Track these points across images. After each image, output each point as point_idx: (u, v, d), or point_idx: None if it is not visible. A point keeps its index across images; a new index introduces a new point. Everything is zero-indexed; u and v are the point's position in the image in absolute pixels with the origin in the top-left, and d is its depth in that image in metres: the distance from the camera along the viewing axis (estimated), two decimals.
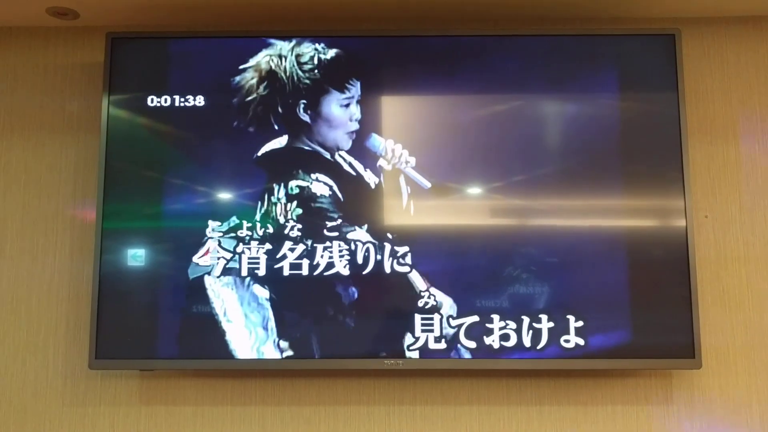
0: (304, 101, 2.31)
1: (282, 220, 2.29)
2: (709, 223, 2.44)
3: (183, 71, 2.40)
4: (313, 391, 2.39)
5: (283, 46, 2.32)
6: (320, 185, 2.22)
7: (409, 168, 2.27)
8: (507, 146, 2.36)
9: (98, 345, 2.27)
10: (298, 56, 2.27)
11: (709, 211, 2.45)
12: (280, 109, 2.30)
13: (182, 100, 2.37)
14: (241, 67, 2.30)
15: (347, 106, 2.29)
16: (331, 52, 2.30)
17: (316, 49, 2.30)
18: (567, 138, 2.37)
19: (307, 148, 2.31)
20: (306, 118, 2.31)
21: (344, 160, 2.32)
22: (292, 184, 2.30)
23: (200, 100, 2.37)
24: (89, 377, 2.39)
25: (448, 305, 2.19)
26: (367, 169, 2.30)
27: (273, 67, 2.27)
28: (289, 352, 2.24)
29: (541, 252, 2.31)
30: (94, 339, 2.27)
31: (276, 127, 2.32)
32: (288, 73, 2.30)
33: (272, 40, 2.34)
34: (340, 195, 2.28)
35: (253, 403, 2.38)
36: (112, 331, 2.28)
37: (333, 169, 2.31)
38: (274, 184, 2.30)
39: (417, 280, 2.18)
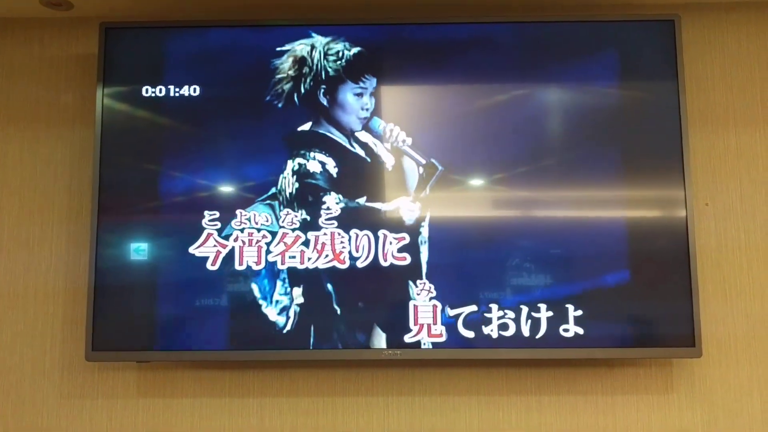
0: (324, 86, 2.34)
1: (286, 193, 2.30)
2: (709, 212, 2.42)
3: (178, 61, 2.38)
4: (311, 382, 2.38)
5: (319, 40, 2.37)
6: (315, 163, 2.31)
7: (406, 146, 2.32)
8: (507, 136, 2.35)
9: (95, 337, 2.26)
10: (327, 50, 2.36)
11: (709, 200, 2.43)
12: (302, 91, 2.35)
13: (177, 90, 2.36)
14: (279, 49, 2.37)
15: (360, 95, 2.35)
16: (354, 50, 2.36)
17: (344, 47, 2.36)
18: (565, 126, 2.36)
19: (322, 131, 2.34)
20: (324, 101, 2.35)
21: (359, 143, 2.33)
22: (298, 160, 2.32)
23: (195, 90, 2.36)
24: (86, 369, 2.39)
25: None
26: (384, 154, 2.33)
27: (305, 54, 2.36)
28: (300, 300, 2.26)
29: (539, 242, 2.30)
30: (91, 331, 2.26)
31: (297, 104, 2.34)
32: (315, 62, 2.36)
33: (313, 34, 2.37)
34: (333, 173, 2.31)
35: (251, 395, 2.38)
36: (109, 323, 2.28)
37: (341, 152, 2.33)
38: (288, 161, 2.32)
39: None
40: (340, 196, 2.30)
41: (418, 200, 2.30)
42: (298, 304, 2.27)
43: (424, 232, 2.30)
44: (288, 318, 2.27)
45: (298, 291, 2.28)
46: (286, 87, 2.36)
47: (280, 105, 2.35)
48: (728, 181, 2.44)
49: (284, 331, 2.26)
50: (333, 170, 2.31)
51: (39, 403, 2.39)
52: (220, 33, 2.41)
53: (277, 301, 2.27)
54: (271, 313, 2.27)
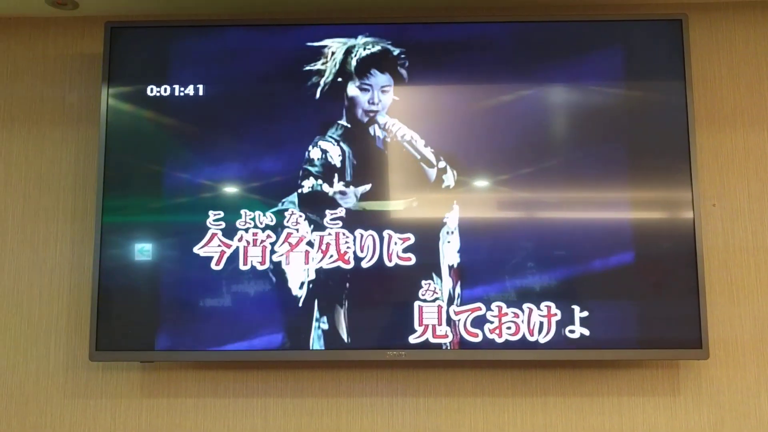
0: (339, 79, 2.36)
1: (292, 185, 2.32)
2: (716, 213, 2.41)
3: (183, 60, 2.38)
4: (315, 383, 2.37)
5: (347, 40, 2.38)
6: (317, 150, 2.33)
7: (405, 141, 2.33)
8: (512, 136, 2.34)
9: (99, 337, 2.26)
10: (349, 48, 2.37)
11: (716, 200, 2.41)
12: (320, 86, 2.36)
13: (182, 89, 2.36)
14: (311, 44, 2.38)
15: (366, 90, 2.35)
16: (374, 49, 2.37)
17: (363, 47, 2.37)
18: (571, 126, 2.35)
19: (341, 121, 2.35)
20: (339, 96, 2.36)
21: (366, 136, 2.34)
22: (309, 148, 2.34)
23: (200, 89, 2.35)
24: (90, 369, 2.39)
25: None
26: (387, 149, 2.34)
27: (329, 52, 2.38)
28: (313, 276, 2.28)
29: (546, 243, 2.29)
30: (95, 331, 2.26)
31: (315, 99, 2.35)
32: (336, 60, 2.36)
33: (330, 32, 2.38)
34: (335, 162, 2.32)
35: (255, 395, 2.37)
36: (113, 323, 2.28)
37: (349, 143, 2.33)
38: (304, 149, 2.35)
39: None
40: (318, 181, 2.30)
41: (350, 186, 2.31)
42: (311, 281, 2.27)
43: (440, 233, 2.29)
44: (303, 292, 2.28)
45: (311, 251, 2.29)
46: (299, 84, 2.35)
47: (290, 102, 2.36)
48: (736, 182, 2.42)
49: (299, 305, 2.27)
50: (336, 159, 2.32)
51: (43, 403, 2.39)
52: (226, 32, 2.41)
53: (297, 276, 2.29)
54: (294, 286, 2.28)
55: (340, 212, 2.30)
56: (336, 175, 2.32)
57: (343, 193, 2.31)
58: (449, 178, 2.32)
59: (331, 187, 2.31)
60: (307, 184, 2.31)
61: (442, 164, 2.32)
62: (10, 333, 2.43)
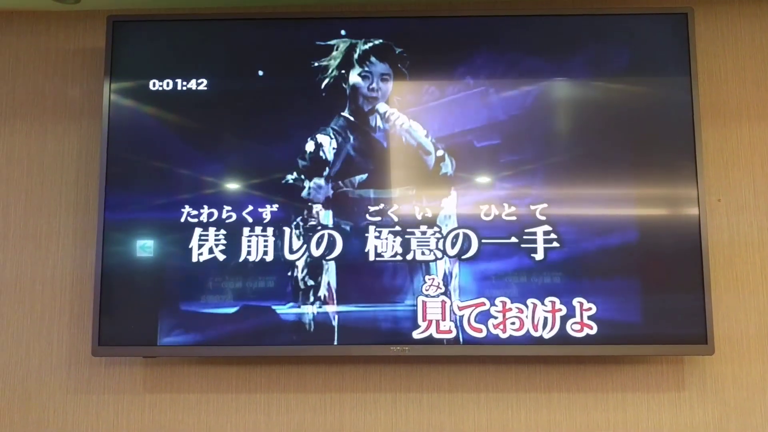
0: (343, 71, 2.36)
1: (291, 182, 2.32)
2: (722, 207, 2.39)
3: (185, 54, 2.38)
4: (318, 379, 2.36)
5: (350, 40, 2.38)
6: (312, 144, 2.33)
7: (403, 130, 2.33)
8: (515, 132, 2.32)
9: (101, 332, 2.26)
10: (352, 45, 2.36)
11: (722, 195, 2.40)
12: (325, 79, 2.36)
13: (185, 83, 2.35)
14: (320, 43, 2.38)
15: (366, 77, 2.35)
16: (377, 42, 2.37)
17: (364, 43, 2.37)
18: (575, 122, 2.34)
19: (343, 113, 2.35)
20: (344, 86, 2.36)
21: (366, 126, 2.34)
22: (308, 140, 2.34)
23: (203, 83, 2.35)
24: (93, 364, 2.38)
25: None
26: (385, 138, 2.34)
27: (336, 51, 2.38)
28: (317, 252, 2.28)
29: (550, 238, 2.27)
30: (97, 326, 2.25)
31: (322, 92, 2.35)
32: (341, 53, 2.36)
33: (328, 25, 2.39)
34: (328, 154, 2.32)
35: (258, 391, 2.36)
36: (116, 318, 2.27)
37: (348, 134, 2.34)
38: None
39: None
40: (302, 176, 2.30)
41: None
42: (309, 276, 2.27)
43: (437, 218, 2.29)
44: (303, 285, 2.28)
45: (313, 245, 2.29)
46: (305, 79, 2.35)
47: (296, 97, 2.35)
48: (741, 177, 2.41)
49: (300, 299, 2.26)
50: (330, 152, 2.31)
51: (45, 398, 2.39)
52: (228, 26, 2.40)
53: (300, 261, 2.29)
54: (296, 279, 2.28)
55: (336, 201, 2.30)
56: (321, 168, 2.31)
57: (319, 187, 2.30)
58: (447, 166, 2.31)
59: (309, 181, 2.31)
60: (290, 177, 2.31)
61: (440, 153, 2.31)
62: (13, 328, 2.42)
